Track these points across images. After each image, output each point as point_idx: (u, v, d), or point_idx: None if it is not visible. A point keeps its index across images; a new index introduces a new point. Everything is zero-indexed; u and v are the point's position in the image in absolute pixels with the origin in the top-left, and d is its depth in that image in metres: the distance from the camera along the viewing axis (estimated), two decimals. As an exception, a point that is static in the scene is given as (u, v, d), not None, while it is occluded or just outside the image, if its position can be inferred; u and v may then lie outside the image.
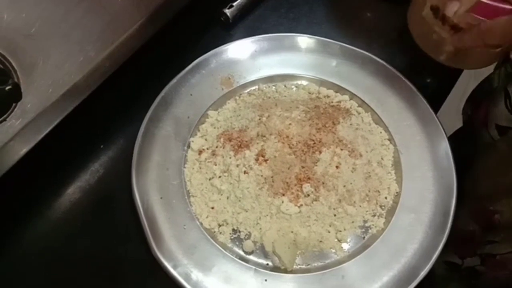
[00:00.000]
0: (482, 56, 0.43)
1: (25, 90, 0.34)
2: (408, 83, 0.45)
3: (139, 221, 0.38)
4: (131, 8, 0.40)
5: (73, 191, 0.41)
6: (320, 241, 0.38)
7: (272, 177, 0.39)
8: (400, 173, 0.41)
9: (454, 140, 0.44)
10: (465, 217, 0.42)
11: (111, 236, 0.40)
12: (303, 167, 0.39)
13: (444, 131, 0.42)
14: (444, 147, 0.41)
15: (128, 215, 0.39)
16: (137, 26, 0.42)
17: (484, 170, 0.42)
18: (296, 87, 0.47)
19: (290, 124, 0.40)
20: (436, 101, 0.45)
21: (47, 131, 0.39)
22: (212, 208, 0.39)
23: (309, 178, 0.38)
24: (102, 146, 0.44)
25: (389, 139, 0.43)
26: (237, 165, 0.39)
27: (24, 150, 0.37)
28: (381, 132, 0.43)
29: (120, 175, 0.42)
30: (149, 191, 0.39)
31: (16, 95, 0.31)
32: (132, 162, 0.40)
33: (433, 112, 0.43)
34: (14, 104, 0.31)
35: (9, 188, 0.39)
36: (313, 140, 0.40)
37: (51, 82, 0.36)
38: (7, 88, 0.30)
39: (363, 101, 0.45)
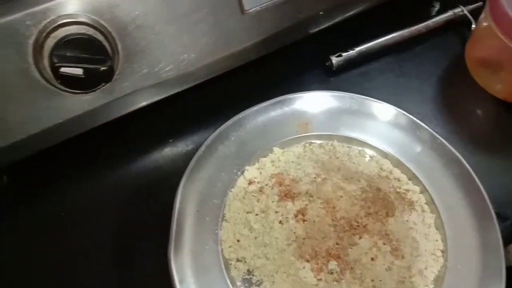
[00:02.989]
0: None
1: (120, 72, 0.37)
2: (489, 205, 0.40)
3: (169, 223, 0.40)
4: (242, 32, 0.42)
5: (127, 171, 0.45)
6: (325, 322, 0.36)
7: (304, 238, 0.38)
8: (439, 291, 0.37)
9: None
10: None
11: (139, 228, 0.42)
12: (337, 243, 0.37)
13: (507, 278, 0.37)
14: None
15: (163, 214, 0.41)
16: (241, 48, 0.43)
17: None
18: (370, 157, 0.45)
19: (341, 196, 0.39)
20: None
21: (124, 112, 0.43)
22: (238, 240, 0.39)
23: (339, 257, 0.37)
24: (171, 141, 0.47)
25: (442, 251, 0.39)
26: (276, 212, 0.39)
27: (99, 122, 0.41)
28: (437, 240, 0.40)
29: (174, 173, 0.44)
30: (190, 200, 0.41)
31: (108, 77, 0.34)
32: (187, 167, 0.42)
33: (503, 251, 0.38)
34: (103, 84, 0.34)
35: (71, 151, 0.43)
36: (357, 222, 0.38)
37: (146, 72, 0.39)
38: (102, 68, 0.33)
39: (432, 200, 0.42)
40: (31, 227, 0.42)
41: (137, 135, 0.47)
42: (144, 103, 0.43)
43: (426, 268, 0.38)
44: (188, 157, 0.43)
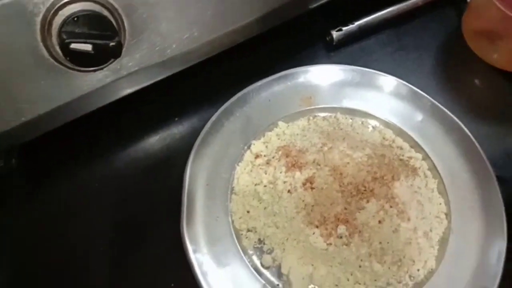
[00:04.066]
0: None
1: (126, 49, 0.38)
2: (490, 168, 0.42)
3: (180, 198, 0.40)
4: (245, 6, 0.42)
5: (135, 150, 0.45)
6: (336, 285, 0.37)
7: (312, 206, 0.39)
8: (444, 252, 0.39)
9: None
10: None
11: (151, 203, 0.42)
12: (345, 208, 0.38)
13: (509, 234, 0.39)
14: (501, 248, 0.38)
15: (174, 189, 0.42)
16: (244, 23, 0.44)
17: None
18: (373, 127, 0.46)
19: (348, 163, 0.40)
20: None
21: (131, 91, 0.43)
22: (248, 212, 0.40)
23: (347, 221, 0.38)
24: (176, 119, 0.47)
25: (446, 214, 0.41)
26: (284, 182, 0.40)
27: (107, 101, 0.42)
28: (440, 204, 0.41)
29: (181, 150, 0.44)
30: (199, 175, 0.42)
31: (116, 52, 0.34)
32: (194, 144, 0.43)
33: (504, 211, 0.40)
34: (112, 59, 0.35)
35: (80, 132, 0.44)
36: (364, 187, 0.39)
37: (151, 49, 0.40)
38: (111, 44, 0.33)
39: (435, 166, 0.43)
40: (48, 204, 0.43)
41: (144, 115, 0.47)
42: (149, 82, 0.44)
43: (431, 230, 0.40)
44: (195, 134, 0.44)
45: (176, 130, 0.47)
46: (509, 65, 0.50)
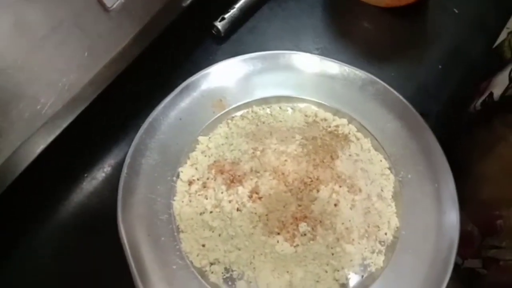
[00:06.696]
0: None
1: (2, 131, 0.31)
2: (411, 108, 0.42)
3: (125, 259, 0.36)
4: (115, 31, 0.37)
5: (54, 224, 0.39)
6: (317, 281, 0.36)
7: (266, 215, 0.36)
8: (401, 205, 0.39)
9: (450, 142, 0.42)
10: (463, 217, 0.40)
11: (96, 275, 0.37)
12: (299, 205, 0.37)
13: (448, 155, 0.40)
14: (448, 179, 0.39)
15: (114, 253, 0.37)
16: (121, 48, 0.39)
17: (487, 172, 0.40)
18: (292, 109, 0.44)
19: (285, 160, 0.38)
20: (440, 131, 0.42)
21: (25, 166, 0.37)
22: (203, 245, 0.37)
23: (305, 217, 0.36)
24: (86, 175, 0.42)
25: (389, 168, 0.41)
26: (230, 201, 0.37)
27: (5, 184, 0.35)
28: (381, 161, 0.41)
29: (105, 207, 0.39)
30: (136, 228, 0.37)
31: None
32: (117, 196, 0.38)
33: (437, 141, 0.41)
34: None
35: None
36: (310, 178, 0.37)
37: (27, 116, 0.34)
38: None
39: (362, 126, 0.43)
40: None
41: (49, 180, 0.41)
42: (41, 148, 0.37)
43: (382, 190, 0.40)
44: (112, 185, 0.39)
45: (91, 187, 0.41)
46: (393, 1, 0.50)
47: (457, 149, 0.42)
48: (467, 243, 0.40)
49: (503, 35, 0.48)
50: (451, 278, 0.44)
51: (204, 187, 0.39)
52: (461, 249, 0.41)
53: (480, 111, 0.42)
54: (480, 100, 0.42)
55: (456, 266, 0.42)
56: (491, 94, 0.41)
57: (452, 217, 0.38)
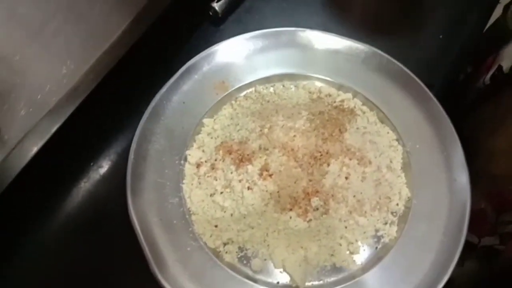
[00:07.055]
0: None
1: (1, 120, 0.31)
2: (415, 78, 0.42)
3: (139, 246, 0.36)
4: (111, 17, 0.37)
5: (63, 213, 0.39)
6: (332, 255, 0.36)
7: (278, 192, 0.36)
8: (411, 176, 0.39)
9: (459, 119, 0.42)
10: (476, 195, 0.40)
11: (110, 263, 0.37)
12: (310, 180, 0.36)
13: (456, 131, 0.40)
14: (456, 147, 0.39)
15: (126, 239, 0.37)
16: (119, 34, 0.38)
17: (498, 147, 0.40)
18: (295, 86, 0.44)
19: (294, 136, 0.38)
20: (446, 99, 0.42)
21: (31, 156, 0.36)
22: (216, 226, 0.37)
23: (317, 192, 0.36)
24: (92, 164, 0.41)
25: (397, 140, 0.41)
26: (240, 181, 0.37)
27: (11, 175, 0.34)
28: (388, 132, 0.41)
29: (114, 195, 0.39)
30: (147, 213, 0.37)
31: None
32: (126, 182, 0.37)
33: (443, 110, 0.41)
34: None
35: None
36: (320, 152, 0.37)
37: (30, 106, 0.33)
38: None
39: (367, 99, 0.42)
40: None
41: (54, 171, 0.40)
42: (45, 139, 0.37)
43: (391, 161, 0.40)
44: (119, 172, 0.39)
45: (98, 176, 0.41)
46: None
47: (464, 126, 0.42)
48: (482, 221, 0.40)
49: (498, 11, 0.48)
50: (468, 258, 0.44)
51: (213, 168, 0.38)
52: (476, 228, 0.41)
53: (489, 85, 0.42)
54: (489, 75, 0.42)
55: (472, 245, 0.42)
56: (500, 67, 0.41)
57: (463, 182, 0.38)
